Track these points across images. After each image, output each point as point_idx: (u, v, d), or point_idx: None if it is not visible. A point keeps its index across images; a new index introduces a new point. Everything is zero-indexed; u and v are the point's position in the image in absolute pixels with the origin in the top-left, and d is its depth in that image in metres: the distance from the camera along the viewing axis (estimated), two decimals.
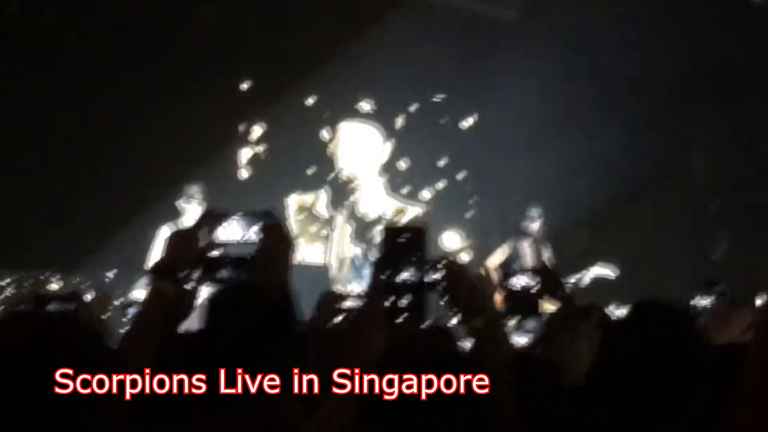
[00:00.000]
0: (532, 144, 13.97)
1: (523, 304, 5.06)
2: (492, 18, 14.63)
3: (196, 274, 3.57)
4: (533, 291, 5.14)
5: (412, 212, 14.51)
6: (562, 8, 13.82)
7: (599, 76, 13.62)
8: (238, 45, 13.19)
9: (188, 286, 3.58)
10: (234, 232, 3.55)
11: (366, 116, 14.53)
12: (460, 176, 14.94)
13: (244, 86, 13.61)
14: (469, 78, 14.28)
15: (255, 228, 3.51)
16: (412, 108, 14.71)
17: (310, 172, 14.31)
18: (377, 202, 14.26)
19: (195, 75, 12.75)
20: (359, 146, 14.38)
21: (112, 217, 12.18)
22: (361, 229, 12.22)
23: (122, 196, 12.31)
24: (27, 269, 12.17)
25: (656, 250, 13.79)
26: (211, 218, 3.59)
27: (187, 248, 3.52)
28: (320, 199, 14.22)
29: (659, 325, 3.20)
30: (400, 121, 14.64)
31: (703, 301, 6.92)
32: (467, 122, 14.94)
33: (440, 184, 14.84)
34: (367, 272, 11.63)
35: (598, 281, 11.21)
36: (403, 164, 14.66)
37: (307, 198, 14.33)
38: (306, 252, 14.01)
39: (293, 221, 14.06)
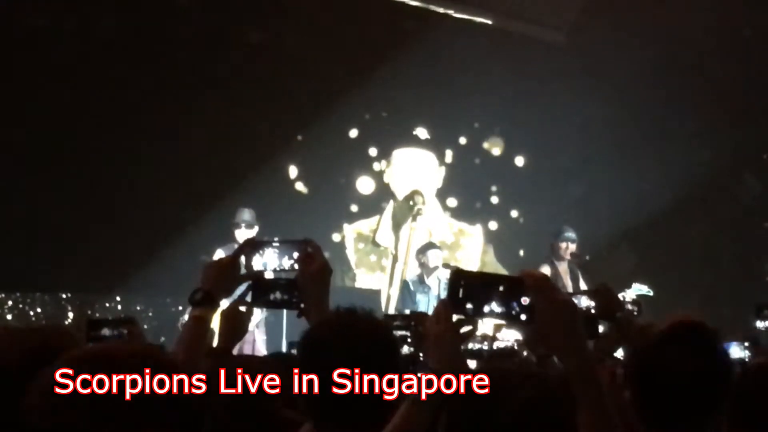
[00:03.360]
0: (575, 170, 13.96)
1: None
2: (542, 41, 14.63)
3: (245, 298, 3.69)
4: (592, 312, 5.09)
5: (475, 231, 14.49)
6: (606, 31, 13.83)
7: (643, 96, 13.61)
8: (296, 66, 13.26)
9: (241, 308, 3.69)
10: (272, 259, 3.62)
11: (421, 142, 14.57)
12: (514, 214, 14.95)
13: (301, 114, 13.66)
14: (519, 105, 14.22)
15: (293, 255, 3.57)
16: (459, 136, 14.77)
17: (367, 199, 14.40)
18: (438, 225, 14.27)
19: (248, 99, 12.85)
20: (416, 171, 14.40)
21: (170, 240, 12.28)
22: (417, 251, 12.21)
23: (181, 220, 12.41)
24: (89, 291, 12.37)
25: (704, 273, 13.72)
26: (251, 246, 3.68)
27: (226, 276, 3.61)
28: (379, 228, 14.24)
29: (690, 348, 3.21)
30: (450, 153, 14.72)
31: (761, 324, 6.79)
32: (519, 156, 14.94)
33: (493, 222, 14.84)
34: (420, 296, 11.64)
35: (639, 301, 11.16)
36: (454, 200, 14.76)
37: (365, 226, 14.36)
38: (367, 280, 14.02)
39: (352, 250, 14.09)
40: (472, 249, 14.33)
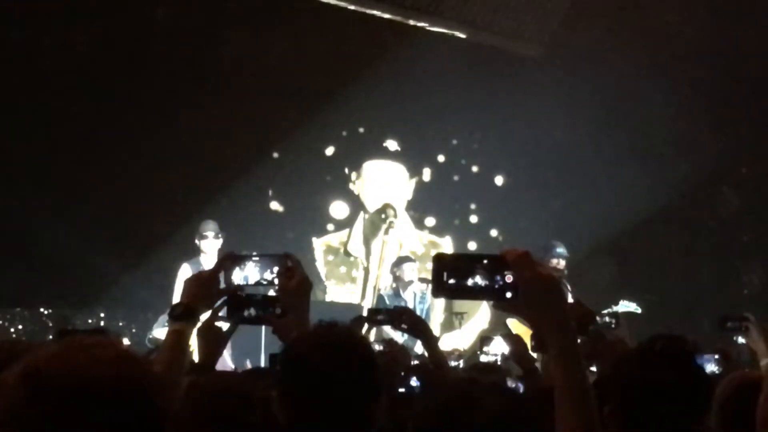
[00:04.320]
0: (557, 185, 13.99)
1: None
2: (518, 55, 14.69)
3: (221, 313, 3.70)
4: None
5: (445, 243, 14.51)
6: (585, 43, 13.88)
7: (622, 109, 13.66)
8: (272, 82, 13.27)
9: (218, 324, 3.70)
10: (252, 273, 3.64)
11: (390, 154, 14.60)
12: (493, 233, 14.93)
13: (269, 119, 13.65)
14: (497, 121, 14.22)
15: (273, 269, 3.59)
16: (437, 153, 14.80)
17: (336, 211, 14.42)
18: (408, 237, 14.28)
19: (221, 109, 12.85)
20: (386, 183, 14.42)
21: (131, 254, 12.27)
22: (392, 264, 12.23)
23: (142, 233, 12.41)
24: (68, 307, 12.36)
25: (684, 285, 13.76)
26: (230, 260, 3.69)
27: (207, 290, 3.61)
28: (350, 239, 14.26)
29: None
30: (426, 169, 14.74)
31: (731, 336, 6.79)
32: (497, 172, 14.95)
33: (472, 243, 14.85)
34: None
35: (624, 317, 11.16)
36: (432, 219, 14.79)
37: (335, 238, 14.39)
38: (337, 292, 14.05)
39: (322, 263, 14.10)
40: None
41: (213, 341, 4.04)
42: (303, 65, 13.31)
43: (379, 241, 13.38)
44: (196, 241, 11.19)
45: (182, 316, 3.53)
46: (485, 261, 2.52)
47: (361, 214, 14.29)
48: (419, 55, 13.61)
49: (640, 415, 3.21)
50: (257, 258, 3.65)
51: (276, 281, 3.58)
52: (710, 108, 13.70)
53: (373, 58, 13.47)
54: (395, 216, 13.13)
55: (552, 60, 14.36)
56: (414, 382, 4.62)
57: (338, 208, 14.38)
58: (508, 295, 2.48)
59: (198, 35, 12.93)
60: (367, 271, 13.86)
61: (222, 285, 3.67)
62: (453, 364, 6.62)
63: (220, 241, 11.14)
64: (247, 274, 3.64)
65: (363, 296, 13.72)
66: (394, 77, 13.31)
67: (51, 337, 12.22)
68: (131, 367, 2.03)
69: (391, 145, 14.55)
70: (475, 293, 2.56)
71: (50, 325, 12.55)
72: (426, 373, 4.69)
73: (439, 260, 2.57)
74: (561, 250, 11.77)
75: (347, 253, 14.18)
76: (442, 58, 13.86)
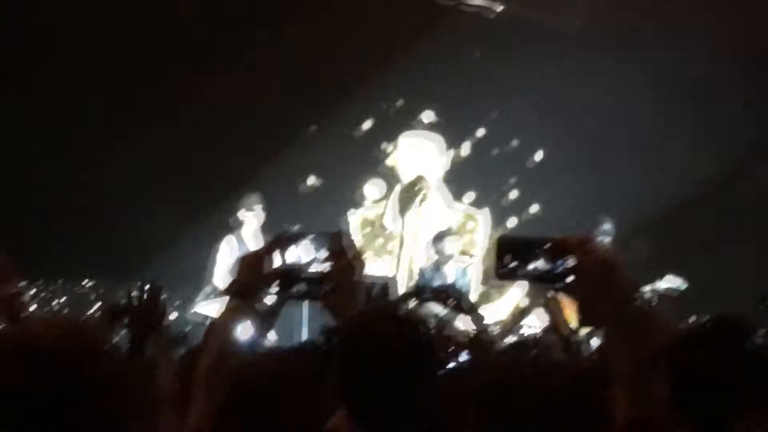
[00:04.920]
0: (598, 160, 13.89)
1: None
2: (556, 30, 14.56)
3: (271, 292, 3.73)
4: None
5: (481, 217, 14.50)
6: (625, 15, 13.76)
7: (666, 82, 13.53)
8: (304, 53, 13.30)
9: (266, 303, 3.75)
10: (305, 252, 3.67)
11: (427, 127, 14.58)
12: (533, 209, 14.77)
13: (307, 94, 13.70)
14: (536, 95, 14.16)
15: (326, 248, 3.62)
16: (476, 127, 14.74)
17: (371, 184, 14.44)
18: (444, 210, 14.26)
19: (257, 84, 12.90)
20: (421, 156, 14.40)
21: (172, 228, 12.37)
22: (431, 239, 12.24)
23: (183, 207, 12.51)
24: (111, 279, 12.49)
25: (731, 261, 13.61)
26: (284, 239, 3.72)
27: (260, 269, 3.65)
28: (386, 213, 14.28)
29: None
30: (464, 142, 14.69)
31: None
32: (537, 147, 14.86)
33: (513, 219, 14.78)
34: (437, 284, 11.61)
35: (668, 293, 11.09)
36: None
37: (371, 212, 14.42)
38: (373, 267, 14.07)
39: (357, 237, 14.13)
40: (478, 234, 14.30)
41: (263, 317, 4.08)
42: (341, 39, 13.33)
43: (414, 214, 13.41)
44: (239, 215, 11.27)
45: (237, 294, 3.58)
46: (547, 245, 2.56)
47: (397, 187, 14.28)
48: (458, 28, 13.57)
49: (692, 399, 3.21)
50: (310, 237, 3.69)
51: (329, 260, 3.61)
52: (755, 82, 13.52)
53: (413, 31, 13.46)
54: (429, 188, 13.14)
55: (592, 32, 14.22)
56: (463, 357, 4.65)
57: (373, 187, 14.39)
58: (570, 279, 2.52)
59: (236, 5, 12.99)
60: (402, 244, 13.84)
61: (274, 264, 3.70)
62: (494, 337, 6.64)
63: (263, 215, 11.23)
64: (300, 252, 3.67)
65: (397, 270, 13.72)
66: (433, 51, 13.31)
67: (95, 310, 12.50)
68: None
69: (428, 116, 14.50)
70: (537, 277, 2.60)
71: (92, 298, 12.70)
72: (476, 348, 4.73)
73: (502, 243, 2.61)
74: (608, 227, 11.69)
75: (383, 227, 14.20)
76: (482, 31, 13.81)
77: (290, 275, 3.71)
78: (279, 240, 3.73)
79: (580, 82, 13.53)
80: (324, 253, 3.61)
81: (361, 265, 3.61)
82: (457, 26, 13.69)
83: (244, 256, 3.75)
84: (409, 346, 2.99)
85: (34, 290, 12.16)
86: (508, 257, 2.62)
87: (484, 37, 13.94)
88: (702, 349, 3.25)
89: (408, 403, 2.95)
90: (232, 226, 11.56)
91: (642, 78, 13.49)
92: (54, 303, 12.38)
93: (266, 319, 4.01)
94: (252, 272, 3.64)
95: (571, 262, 2.55)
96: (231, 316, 3.57)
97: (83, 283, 12.87)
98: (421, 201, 13.12)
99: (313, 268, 3.66)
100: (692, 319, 5.28)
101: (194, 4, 12.94)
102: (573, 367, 3.11)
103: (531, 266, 2.60)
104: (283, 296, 3.77)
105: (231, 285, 3.63)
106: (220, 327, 3.58)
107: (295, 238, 3.70)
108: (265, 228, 11.67)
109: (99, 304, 12.43)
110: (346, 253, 3.58)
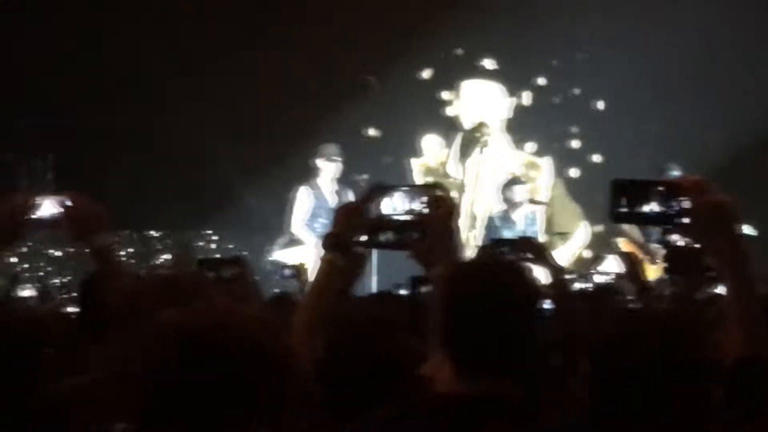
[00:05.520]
0: (661, 107, 13.74)
1: (687, 261, 4.91)
2: None
3: (364, 239, 3.74)
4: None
5: (545, 164, 14.47)
6: None
7: (731, 28, 13.35)
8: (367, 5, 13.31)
9: (358, 251, 3.76)
10: (400, 203, 3.69)
11: (487, 73, 14.51)
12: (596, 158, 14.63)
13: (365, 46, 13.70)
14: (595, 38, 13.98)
15: (422, 199, 3.63)
16: (537, 76, 14.63)
17: (428, 139, 14.43)
18: (507, 157, 14.22)
19: (318, 40, 12.94)
20: (483, 102, 14.36)
21: (241, 177, 12.48)
22: (497, 185, 12.25)
23: (255, 157, 12.60)
24: (176, 230, 12.63)
25: None
26: (378, 191, 3.74)
27: (356, 220, 3.68)
28: (448, 160, 14.27)
29: None
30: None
31: None
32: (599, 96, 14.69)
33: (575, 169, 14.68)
34: (506, 232, 11.63)
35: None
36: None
37: (432, 159, 14.42)
38: None
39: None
40: (542, 182, 14.28)
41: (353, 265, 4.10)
42: None
43: (475, 160, 13.40)
44: (316, 162, 11.36)
45: (333, 246, 3.61)
46: (661, 187, 2.57)
47: (459, 134, 14.27)
48: None
49: None
50: (405, 188, 3.71)
51: (425, 210, 3.62)
52: None
53: None
54: (490, 134, 13.11)
55: None
56: (546, 305, 4.67)
57: (430, 141, 14.39)
58: (684, 220, 2.54)
59: None
60: (462, 190, 13.83)
61: (370, 215, 3.73)
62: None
63: (341, 165, 11.33)
64: (395, 204, 3.69)
65: (459, 216, 13.68)
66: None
67: (165, 259, 12.67)
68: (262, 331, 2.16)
69: (489, 64, 14.44)
70: (650, 219, 2.61)
71: (159, 248, 12.86)
72: (559, 296, 4.75)
73: (617, 186, 2.63)
74: (676, 173, 11.59)
75: (446, 174, 14.19)
76: None
77: (375, 222, 3.73)
78: (373, 191, 3.75)
79: (642, 28, 13.39)
80: (421, 203, 3.63)
81: (459, 213, 3.64)
82: None
83: (339, 208, 3.78)
84: (521, 296, 3.01)
85: None
86: (623, 200, 2.63)
87: None
88: None
89: (516, 351, 2.98)
90: (308, 174, 11.68)
91: (704, 24, 13.30)
92: (122, 253, 12.53)
93: (357, 267, 4.05)
94: (347, 224, 3.66)
95: (685, 203, 2.57)
96: (327, 268, 3.60)
97: (151, 233, 13.04)
98: (483, 147, 13.10)
99: (411, 217, 3.68)
100: None
101: None
102: (673, 314, 3.13)
103: (645, 208, 2.61)
104: (371, 244, 3.80)
105: (326, 237, 3.65)
106: (318, 281, 3.62)
107: (388, 190, 3.73)
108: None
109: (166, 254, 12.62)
110: (445, 200, 3.60)
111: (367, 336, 3.55)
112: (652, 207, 2.61)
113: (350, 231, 3.64)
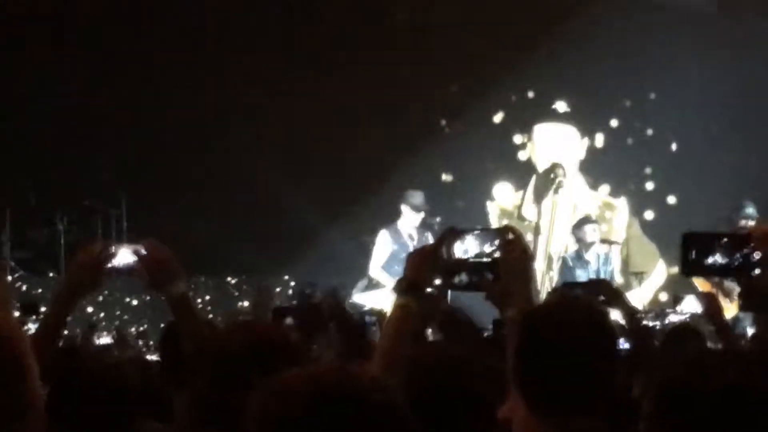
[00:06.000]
0: (734, 144, 13.60)
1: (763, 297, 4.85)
2: (691, 10, 14.28)
3: (439, 282, 3.75)
4: None
5: (620, 204, 14.37)
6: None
7: None
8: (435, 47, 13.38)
9: (432, 294, 3.77)
10: (473, 246, 3.69)
11: (560, 116, 14.51)
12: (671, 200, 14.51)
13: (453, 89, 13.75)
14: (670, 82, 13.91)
15: (495, 242, 3.64)
16: (610, 117, 14.58)
17: (506, 177, 14.44)
18: (582, 198, 14.17)
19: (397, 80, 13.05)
20: (556, 144, 14.36)
21: (330, 222, 12.60)
22: (571, 227, 12.22)
23: (331, 200, 12.72)
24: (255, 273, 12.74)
25: None
26: (452, 234, 3.75)
27: (431, 264, 3.69)
28: (524, 202, 14.25)
29: None
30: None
31: None
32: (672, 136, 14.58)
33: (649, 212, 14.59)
34: (580, 272, 11.56)
35: None
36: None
37: (509, 202, 14.41)
38: None
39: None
40: (617, 222, 14.21)
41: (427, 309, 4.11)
42: (470, 30, 13.36)
43: (549, 201, 13.38)
44: (401, 207, 11.47)
45: (407, 290, 3.61)
46: (725, 239, 2.56)
47: (533, 176, 14.26)
48: (588, 15, 13.44)
49: None
50: (478, 231, 3.72)
51: (497, 254, 3.63)
52: None
53: (542, 20, 13.43)
54: (564, 175, 13.09)
55: (724, 13, 13.95)
56: (623, 344, 4.64)
57: (502, 188, 14.40)
58: (756, 272, 2.52)
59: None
60: (537, 231, 13.77)
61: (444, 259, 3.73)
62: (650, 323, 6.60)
63: (424, 213, 11.44)
64: (468, 247, 3.69)
65: (535, 258, 13.61)
66: (563, 40, 13.26)
67: (242, 305, 12.75)
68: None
69: (561, 106, 14.44)
70: (718, 271, 2.60)
71: (236, 294, 12.95)
72: (634, 335, 4.72)
73: (686, 238, 2.62)
74: (751, 210, 11.45)
75: (521, 217, 14.19)
76: (612, 17, 13.65)
77: (450, 264, 3.73)
78: (447, 235, 3.76)
79: (713, 64, 13.31)
80: (493, 246, 3.63)
81: (532, 256, 3.64)
82: (591, 11, 13.54)
83: (413, 252, 3.79)
84: (598, 339, 3.00)
85: None
86: (692, 252, 2.63)
87: (620, 21, 13.77)
88: None
89: (593, 393, 2.97)
90: (389, 218, 11.80)
91: None
92: (198, 300, 12.62)
93: (432, 310, 4.06)
94: (421, 268, 3.67)
95: (755, 253, 2.55)
96: (401, 312, 3.61)
97: (227, 279, 13.14)
98: (557, 189, 13.07)
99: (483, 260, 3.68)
100: None
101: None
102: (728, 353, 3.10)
103: (709, 260, 2.60)
104: (446, 287, 3.80)
105: (400, 281, 3.66)
106: (391, 325, 3.63)
107: (462, 233, 3.73)
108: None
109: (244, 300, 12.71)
110: (518, 242, 3.60)
111: (445, 378, 3.55)
112: (716, 259, 2.60)
113: (423, 275, 3.64)
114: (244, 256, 12.67)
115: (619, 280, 12.48)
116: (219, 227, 12.71)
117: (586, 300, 3.16)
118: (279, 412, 2.15)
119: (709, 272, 2.71)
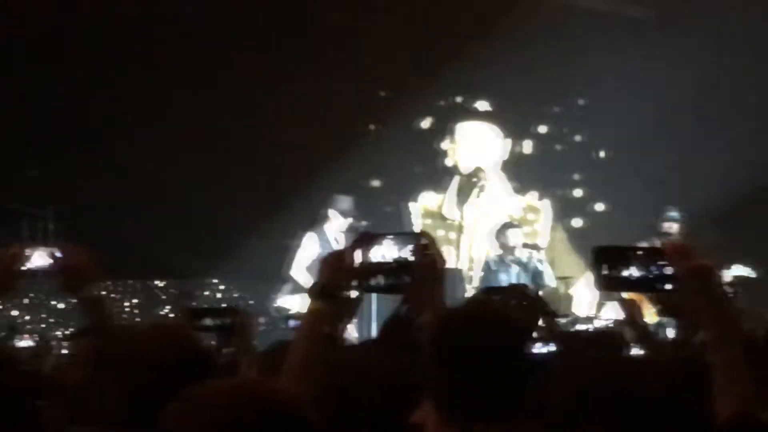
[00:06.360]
0: (663, 153, 13.74)
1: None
2: (631, 18, 14.37)
3: (355, 284, 3.76)
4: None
5: (544, 207, 14.45)
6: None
7: (732, 73, 13.38)
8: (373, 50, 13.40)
9: (346, 297, 3.78)
10: (389, 251, 3.70)
11: (482, 115, 14.55)
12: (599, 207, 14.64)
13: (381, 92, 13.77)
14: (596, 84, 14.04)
15: (409, 247, 3.65)
16: (538, 124, 14.65)
17: (431, 175, 14.49)
18: (505, 202, 14.23)
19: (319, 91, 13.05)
20: (479, 144, 14.40)
21: (257, 226, 12.55)
22: (493, 229, 12.27)
23: (258, 206, 12.67)
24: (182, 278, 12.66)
25: None
26: (366, 238, 3.75)
27: (344, 268, 3.69)
28: (446, 202, 14.28)
29: None
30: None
31: None
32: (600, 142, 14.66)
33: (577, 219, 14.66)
34: (503, 276, 11.61)
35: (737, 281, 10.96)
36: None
37: (432, 201, 14.43)
38: None
39: (419, 227, 14.11)
40: (540, 225, 14.28)
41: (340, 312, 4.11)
42: (399, 35, 13.38)
43: (472, 205, 13.42)
44: (328, 212, 11.42)
45: (320, 294, 3.62)
46: (641, 252, 2.60)
47: (456, 177, 14.30)
48: (520, 20, 13.50)
49: None
50: (393, 236, 3.72)
51: (414, 255, 3.63)
52: None
53: (472, 25, 13.46)
54: (486, 179, 13.14)
55: (662, 23, 14.07)
56: (547, 348, 4.67)
57: (427, 198, 14.44)
58: (667, 286, 2.56)
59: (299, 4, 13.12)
60: (460, 231, 13.80)
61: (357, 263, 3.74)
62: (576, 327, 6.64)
63: (352, 218, 11.41)
64: (384, 252, 3.70)
65: (458, 259, 13.68)
66: (494, 46, 13.26)
67: (167, 311, 12.67)
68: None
69: (482, 105, 14.50)
70: (631, 284, 2.63)
71: (163, 297, 12.87)
72: (560, 342, 4.75)
73: (598, 252, 2.65)
74: (674, 213, 11.59)
75: (443, 217, 14.21)
76: (545, 24, 13.71)
77: (368, 267, 3.74)
78: (362, 239, 3.76)
79: (644, 73, 13.42)
80: (408, 250, 3.64)
81: (444, 261, 3.65)
82: (523, 17, 13.60)
83: (326, 256, 3.79)
84: (503, 343, 3.02)
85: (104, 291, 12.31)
86: (605, 267, 2.66)
87: (550, 28, 13.85)
88: None
89: (498, 399, 2.98)
90: (315, 223, 11.76)
91: (705, 71, 13.33)
92: (126, 303, 12.54)
93: (347, 312, 4.07)
94: (335, 272, 3.67)
95: (667, 269, 2.59)
96: (314, 316, 3.61)
97: (155, 283, 13.06)
98: (480, 192, 13.13)
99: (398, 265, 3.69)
100: None
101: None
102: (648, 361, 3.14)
103: (624, 273, 2.63)
104: (363, 289, 3.81)
105: (314, 286, 3.66)
106: (305, 329, 3.63)
107: (376, 238, 3.74)
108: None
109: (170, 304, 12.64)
110: (431, 248, 3.61)
111: (359, 383, 3.55)
112: (631, 272, 2.63)
113: (336, 279, 3.65)
114: (172, 260, 12.60)
115: (551, 284, 12.48)
116: (147, 231, 12.60)
117: (495, 304, 3.16)
118: (188, 426, 2.15)
119: (625, 286, 2.74)
